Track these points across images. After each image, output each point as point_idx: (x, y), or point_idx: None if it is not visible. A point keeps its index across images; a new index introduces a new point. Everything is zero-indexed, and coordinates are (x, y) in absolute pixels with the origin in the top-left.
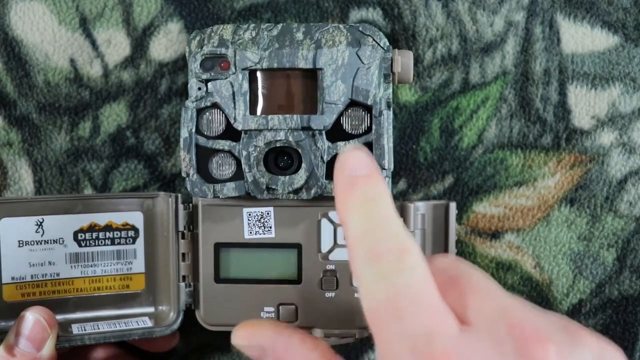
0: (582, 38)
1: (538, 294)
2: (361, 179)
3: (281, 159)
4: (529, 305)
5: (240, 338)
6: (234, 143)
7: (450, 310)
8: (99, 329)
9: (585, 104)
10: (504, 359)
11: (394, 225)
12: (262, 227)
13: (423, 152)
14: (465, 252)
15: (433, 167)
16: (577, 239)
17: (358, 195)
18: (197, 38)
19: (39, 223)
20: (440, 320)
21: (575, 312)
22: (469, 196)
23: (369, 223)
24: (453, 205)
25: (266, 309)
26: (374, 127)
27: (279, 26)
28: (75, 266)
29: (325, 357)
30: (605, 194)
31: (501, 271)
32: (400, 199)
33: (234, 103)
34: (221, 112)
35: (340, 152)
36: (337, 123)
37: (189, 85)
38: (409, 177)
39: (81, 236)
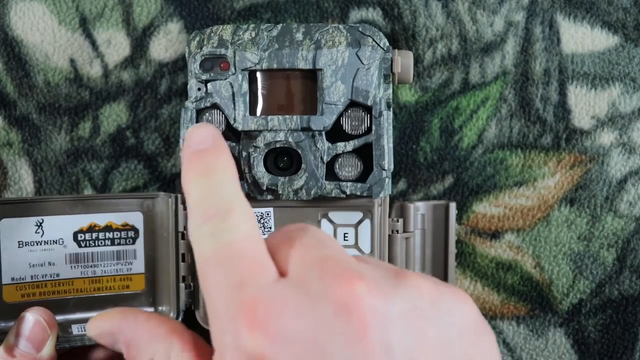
0: (582, 38)
1: (538, 294)
2: (201, 153)
3: (281, 159)
4: (372, 260)
5: (90, 330)
6: (234, 144)
7: (271, 263)
8: None
9: (585, 104)
10: (309, 300)
11: (225, 191)
12: (262, 228)
13: (423, 152)
14: (465, 252)
15: (433, 167)
16: (577, 239)
17: (196, 168)
18: (197, 38)
19: (38, 224)
20: (257, 271)
21: (575, 312)
22: (469, 196)
23: (202, 192)
24: (453, 206)
25: None
26: (373, 127)
27: (279, 26)
28: (75, 267)
29: (174, 332)
30: (605, 194)
31: (501, 271)
32: (401, 199)
33: (234, 104)
34: (221, 112)
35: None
36: (337, 124)
37: (188, 86)
38: (409, 177)
39: (81, 237)
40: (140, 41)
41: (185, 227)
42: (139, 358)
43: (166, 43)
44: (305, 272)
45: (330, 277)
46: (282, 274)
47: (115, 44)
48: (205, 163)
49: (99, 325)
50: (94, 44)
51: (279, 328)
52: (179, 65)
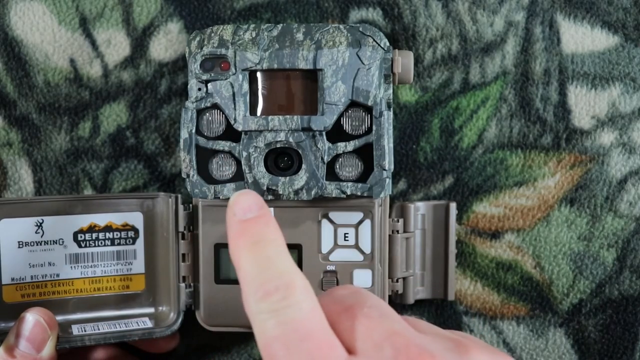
0: (582, 38)
1: (538, 294)
2: (248, 223)
3: (281, 159)
4: (423, 325)
5: None
6: (234, 144)
7: (338, 341)
8: (99, 329)
9: (585, 104)
10: None
11: (280, 264)
12: None
13: (423, 152)
14: (465, 252)
15: (433, 167)
16: (577, 239)
17: (246, 239)
18: (197, 38)
19: (38, 224)
20: (326, 351)
21: (575, 312)
22: (469, 196)
23: (256, 264)
24: (453, 206)
25: None
26: (374, 127)
27: (279, 27)
28: (75, 267)
29: None
30: (605, 194)
31: (501, 271)
32: (401, 199)
33: (234, 104)
34: (221, 112)
35: (231, 197)
36: (338, 124)
37: (189, 86)
38: (409, 177)
39: (81, 237)
40: (140, 41)
41: (185, 227)
42: None
43: (166, 43)
44: (377, 351)
45: (404, 357)
46: (349, 350)
47: (115, 44)
48: (255, 233)
49: None
50: (94, 44)
51: None
52: (179, 65)
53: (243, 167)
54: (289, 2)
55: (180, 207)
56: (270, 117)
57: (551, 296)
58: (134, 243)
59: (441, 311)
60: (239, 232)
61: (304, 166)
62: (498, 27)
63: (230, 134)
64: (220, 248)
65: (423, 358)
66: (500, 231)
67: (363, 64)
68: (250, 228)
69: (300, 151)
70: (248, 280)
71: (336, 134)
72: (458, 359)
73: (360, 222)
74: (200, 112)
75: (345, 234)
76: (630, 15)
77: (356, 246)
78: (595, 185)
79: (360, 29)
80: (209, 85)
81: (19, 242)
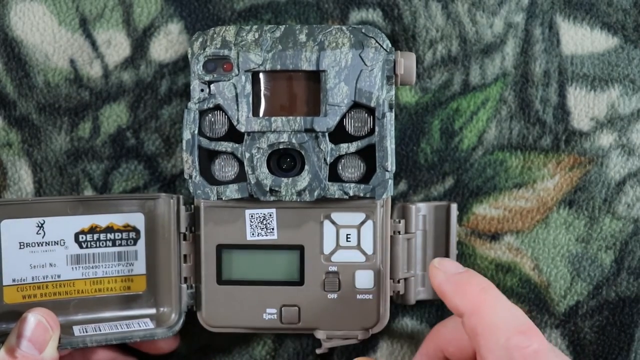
0: (581, 39)
1: (536, 295)
2: (462, 274)
3: (284, 160)
4: None
5: None
6: (237, 145)
7: None
8: (100, 330)
9: (585, 106)
10: None
11: (514, 308)
12: (265, 229)
13: (423, 153)
14: (465, 253)
15: (433, 169)
16: (575, 241)
17: (472, 285)
18: (200, 39)
19: (39, 225)
20: None
21: (572, 314)
22: (469, 198)
23: (497, 306)
24: (454, 207)
25: (268, 310)
26: (377, 129)
27: (282, 28)
28: (76, 268)
29: None
30: (604, 195)
31: (500, 273)
32: (401, 200)
33: (237, 105)
34: (224, 113)
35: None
36: (340, 125)
37: (191, 87)
38: (409, 178)
39: (82, 238)
40: (140, 42)
41: (187, 228)
42: None
43: (166, 44)
44: None
45: None
46: None
47: (116, 45)
48: (476, 279)
49: None
50: (94, 45)
51: None
52: (180, 65)
53: (246, 168)
54: (289, 3)
55: (182, 207)
56: (273, 118)
57: (549, 298)
58: (135, 244)
59: (442, 312)
60: (459, 283)
61: (306, 167)
62: (498, 28)
63: (233, 135)
64: (222, 249)
65: None
66: (499, 233)
67: (366, 65)
68: (468, 277)
69: (302, 152)
70: (496, 322)
71: (339, 135)
72: None
73: (362, 223)
74: (202, 113)
75: (347, 234)
76: (630, 17)
77: (358, 247)
78: (593, 187)
79: (363, 31)
80: (212, 86)
81: (20, 243)
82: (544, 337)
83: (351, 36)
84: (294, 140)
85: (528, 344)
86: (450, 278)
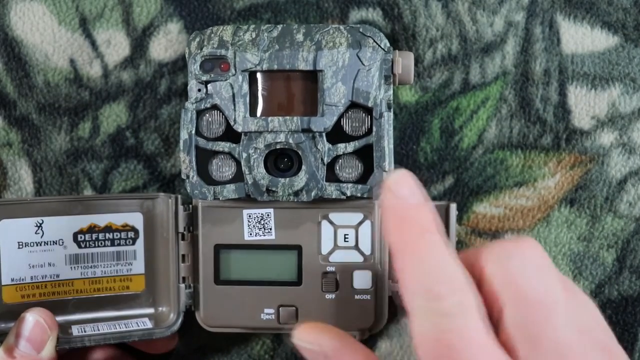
0: (582, 38)
1: None
2: (411, 209)
3: (281, 160)
4: (581, 327)
5: (304, 340)
6: (234, 145)
7: (501, 351)
8: (98, 330)
9: (585, 104)
10: None
11: (445, 259)
12: (262, 229)
13: (423, 152)
14: None
15: (433, 168)
16: (577, 240)
17: (411, 228)
18: (197, 39)
19: (38, 224)
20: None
21: None
22: (469, 197)
23: (422, 257)
24: (453, 207)
25: (266, 310)
26: (374, 129)
27: (279, 27)
28: (75, 267)
29: None
30: (605, 194)
31: None
32: None
33: (234, 105)
34: (221, 113)
35: (385, 178)
36: (338, 125)
37: (188, 87)
38: None
39: (81, 237)
40: (140, 41)
41: (185, 228)
42: None
43: (166, 43)
44: None
45: None
46: (508, 350)
47: (115, 44)
48: (420, 222)
49: (313, 340)
50: (93, 44)
51: None
52: (179, 65)
53: (243, 168)
54: (289, 3)
55: (180, 207)
56: (270, 118)
57: None
58: (133, 244)
59: None
60: (401, 220)
61: (303, 167)
62: (498, 27)
63: (230, 135)
64: (220, 249)
65: None
66: (500, 232)
67: (363, 65)
68: (414, 216)
69: (300, 152)
70: (411, 274)
71: (336, 135)
72: None
73: (360, 223)
74: (200, 113)
75: (345, 235)
76: (630, 16)
77: (356, 247)
78: (595, 186)
79: (361, 30)
80: (209, 86)
81: (18, 242)
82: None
83: (349, 36)
84: (291, 141)
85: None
86: (396, 206)
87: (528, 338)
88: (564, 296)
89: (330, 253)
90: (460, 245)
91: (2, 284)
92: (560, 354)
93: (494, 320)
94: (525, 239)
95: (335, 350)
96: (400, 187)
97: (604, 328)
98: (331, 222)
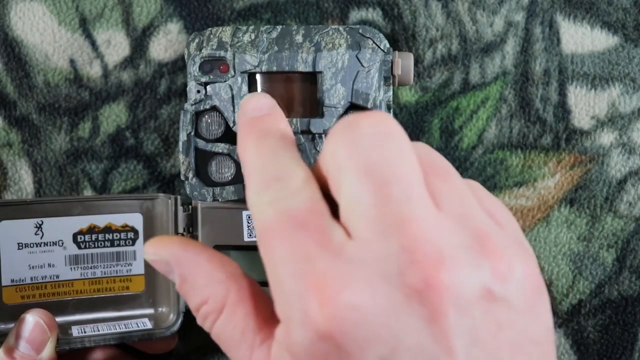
0: (581, 38)
1: None
2: (258, 119)
3: None
4: (445, 201)
5: (148, 252)
6: (233, 146)
7: (337, 228)
8: (98, 330)
9: (585, 104)
10: (382, 280)
11: (282, 154)
12: None
13: None
14: None
15: None
16: (576, 240)
17: (253, 134)
18: (196, 40)
19: (38, 225)
20: (323, 241)
21: (574, 313)
22: None
23: (259, 157)
24: None
25: None
26: None
27: (278, 28)
28: (74, 268)
29: (232, 278)
30: (605, 194)
31: None
32: None
33: (233, 106)
34: (220, 115)
35: (243, 98)
36: None
37: (187, 88)
38: None
39: (80, 238)
40: (139, 41)
41: (184, 229)
42: (192, 297)
43: (166, 43)
44: (378, 242)
45: (407, 258)
46: (348, 232)
47: (115, 44)
48: (262, 128)
49: (156, 252)
50: (93, 44)
51: (351, 306)
52: (179, 65)
53: (242, 169)
54: (289, 3)
55: (180, 208)
56: None
57: (550, 297)
58: (133, 244)
59: None
60: (247, 129)
61: None
62: (498, 27)
63: (229, 136)
64: (220, 250)
65: (430, 263)
66: None
67: (363, 66)
68: (259, 124)
69: (299, 154)
70: (250, 174)
71: None
72: (474, 263)
73: None
74: (199, 114)
75: None
76: (630, 16)
77: None
78: (595, 186)
79: (360, 31)
80: (208, 87)
81: (18, 243)
82: None
83: (348, 37)
84: None
85: (278, 191)
86: (245, 121)
87: (364, 215)
88: (419, 173)
89: None
90: None
91: (2, 284)
92: (405, 233)
93: (336, 199)
94: (371, 112)
95: (174, 256)
96: (248, 104)
97: (495, 220)
98: None
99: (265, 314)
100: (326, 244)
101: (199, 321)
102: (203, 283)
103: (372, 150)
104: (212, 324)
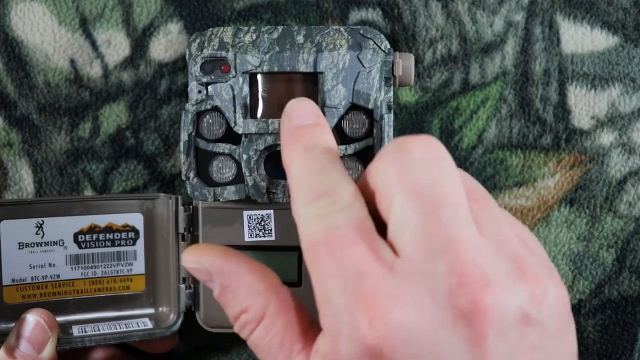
0: (581, 38)
1: None
2: (304, 128)
3: (281, 162)
4: (487, 231)
5: (188, 261)
6: (234, 146)
7: (386, 246)
8: (99, 330)
9: (585, 104)
10: (430, 299)
11: (330, 169)
12: (263, 230)
13: None
14: None
15: None
16: (576, 240)
17: (300, 144)
18: (197, 40)
19: (39, 225)
20: (373, 257)
21: (574, 313)
22: None
23: (307, 169)
24: None
25: None
26: (374, 131)
27: (280, 29)
28: (75, 268)
29: (272, 289)
30: (605, 194)
31: None
32: None
33: (234, 106)
34: (221, 115)
35: (288, 103)
36: (338, 127)
37: (189, 88)
38: None
39: (81, 238)
40: (140, 41)
41: (185, 229)
42: (231, 306)
43: (166, 43)
44: (427, 262)
45: (456, 280)
46: (395, 250)
47: (115, 44)
48: (309, 139)
49: (198, 261)
50: (94, 45)
51: (400, 324)
52: (179, 65)
53: (243, 169)
54: (289, 3)
55: (181, 208)
56: (270, 120)
57: None
58: (134, 244)
59: None
60: (293, 138)
61: None
62: (498, 27)
63: (231, 136)
64: None
65: (476, 286)
66: None
67: (364, 66)
68: (305, 134)
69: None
70: (298, 185)
71: (336, 137)
72: (515, 286)
73: None
74: (200, 115)
75: None
76: (630, 16)
77: None
78: (594, 186)
79: (361, 32)
80: (209, 87)
81: (19, 243)
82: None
83: (349, 37)
84: None
85: (327, 206)
86: (291, 129)
87: (414, 235)
88: (465, 198)
89: None
90: None
91: (3, 284)
92: (454, 256)
93: (384, 218)
94: (422, 135)
95: (215, 266)
96: (293, 110)
97: (526, 245)
98: None
99: (303, 325)
100: (376, 261)
101: (236, 329)
102: (244, 293)
103: (423, 173)
104: (250, 332)
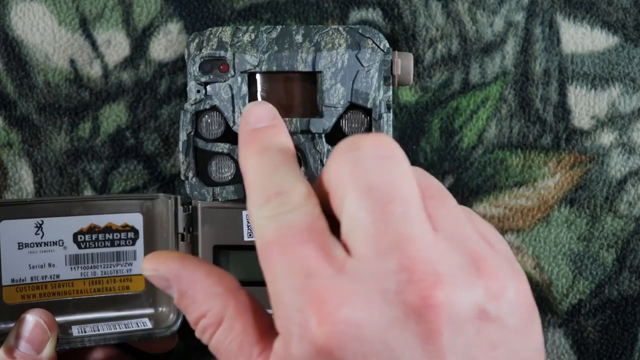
0: (582, 38)
1: (538, 294)
2: (260, 131)
3: None
4: (442, 225)
5: (145, 268)
6: (233, 146)
7: (338, 245)
8: (98, 330)
9: (585, 104)
10: (380, 297)
11: (283, 169)
12: None
13: (423, 152)
14: None
15: (433, 168)
16: (576, 240)
17: (255, 145)
18: (196, 40)
19: (38, 225)
20: (323, 257)
21: (574, 313)
22: (469, 197)
23: (260, 171)
24: None
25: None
26: (373, 130)
27: (278, 28)
28: (75, 268)
29: (230, 292)
30: (605, 194)
31: None
32: None
33: (233, 106)
34: (220, 114)
35: (245, 106)
36: (337, 126)
37: (187, 88)
38: None
39: (81, 238)
40: (140, 41)
41: (184, 229)
42: (190, 311)
43: (166, 43)
44: (377, 260)
45: (406, 277)
46: (348, 249)
47: (115, 44)
48: (264, 141)
49: (154, 268)
50: (94, 45)
51: (349, 322)
52: (179, 65)
53: (244, 181)
54: (289, 3)
55: (180, 208)
56: None
57: (551, 297)
58: (133, 244)
59: None
60: (249, 140)
61: (303, 168)
62: (498, 27)
63: (229, 136)
64: (220, 250)
65: (427, 283)
66: (500, 232)
67: (362, 66)
68: (260, 136)
69: (299, 153)
70: (252, 187)
71: (335, 136)
72: (469, 282)
73: None
74: (199, 114)
75: None
76: (630, 16)
77: None
78: (595, 186)
79: (360, 31)
80: (208, 87)
81: (19, 243)
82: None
83: (348, 37)
84: None
85: (279, 206)
86: (247, 132)
87: (365, 233)
88: (417, 195)
89: None
90: None
91: (3, 284)
92: (404, 253)
93: (337, 217)
94: (374, 134)
95: (172, 272)
96: (250, 113)
97: (487, 241)
98: None
99: (263, 327)
100: (326, 260)
101: (197, 334)
102: (202, 298)
103: (373, 171)
104: (210, 336)
